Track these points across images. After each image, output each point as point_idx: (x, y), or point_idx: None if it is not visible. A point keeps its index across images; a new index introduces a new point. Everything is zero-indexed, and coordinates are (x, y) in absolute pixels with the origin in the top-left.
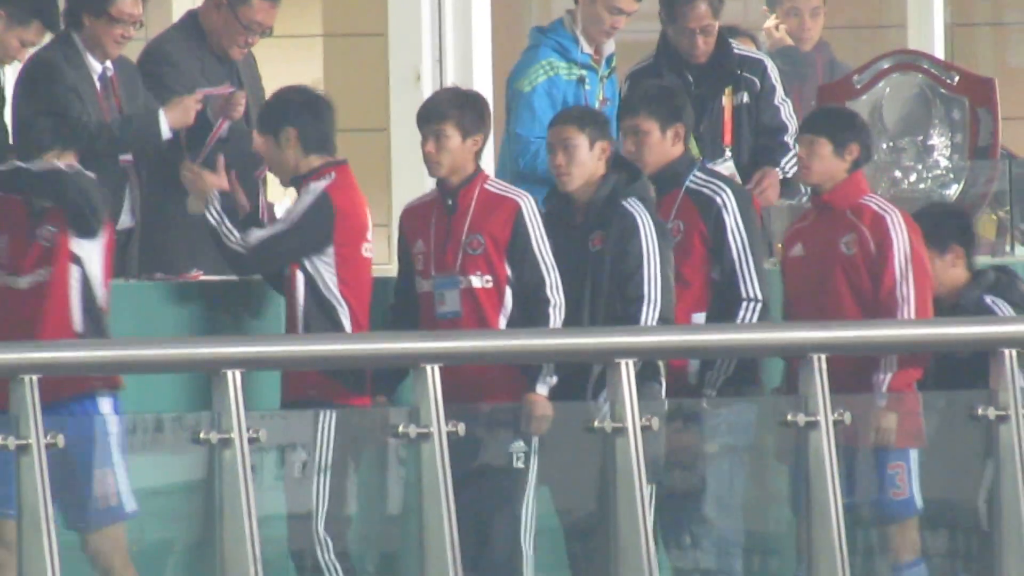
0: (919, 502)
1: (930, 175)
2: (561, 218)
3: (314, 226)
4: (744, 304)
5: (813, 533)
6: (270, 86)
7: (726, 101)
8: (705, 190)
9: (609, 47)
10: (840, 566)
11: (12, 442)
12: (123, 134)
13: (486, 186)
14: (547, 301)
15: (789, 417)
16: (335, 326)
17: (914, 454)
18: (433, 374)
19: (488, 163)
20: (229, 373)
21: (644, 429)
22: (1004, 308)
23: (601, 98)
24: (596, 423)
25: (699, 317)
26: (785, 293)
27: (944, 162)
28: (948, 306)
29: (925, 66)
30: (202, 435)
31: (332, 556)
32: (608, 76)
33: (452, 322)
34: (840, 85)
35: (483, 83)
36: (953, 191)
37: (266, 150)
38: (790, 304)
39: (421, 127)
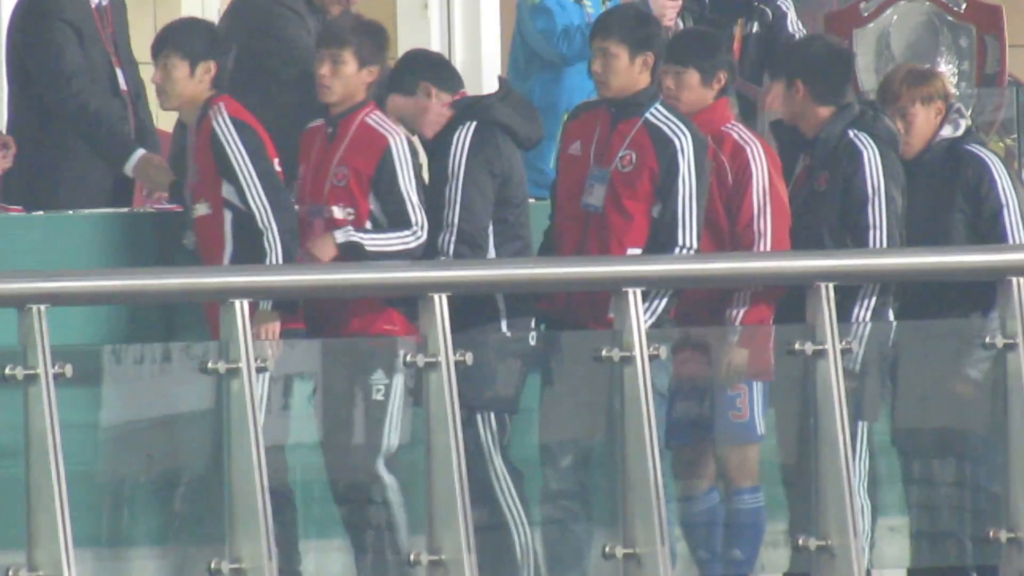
0: (760, 428)
1: None
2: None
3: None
4: (678, 250)
5: (820, 461)
6: None
7: (736, 30)
8: (664, 128)
9: None
10: (848, 492)
11: (20, 372)
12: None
13: (367, 119)
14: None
15: (796, 346)
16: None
17: (759, 384)
18: (441, 303)
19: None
20: (236, 302)
21: (652, 358)
22: (866, 142)
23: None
24: (604, 352)
25: (634, 252)
26: None
27: (951, 90)
28: (810, 139)
29: None
30: (210, 365)
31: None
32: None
33: None
34: (847, 13)
35: (491, 11)
36: None
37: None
38: None
39: (319, 49)
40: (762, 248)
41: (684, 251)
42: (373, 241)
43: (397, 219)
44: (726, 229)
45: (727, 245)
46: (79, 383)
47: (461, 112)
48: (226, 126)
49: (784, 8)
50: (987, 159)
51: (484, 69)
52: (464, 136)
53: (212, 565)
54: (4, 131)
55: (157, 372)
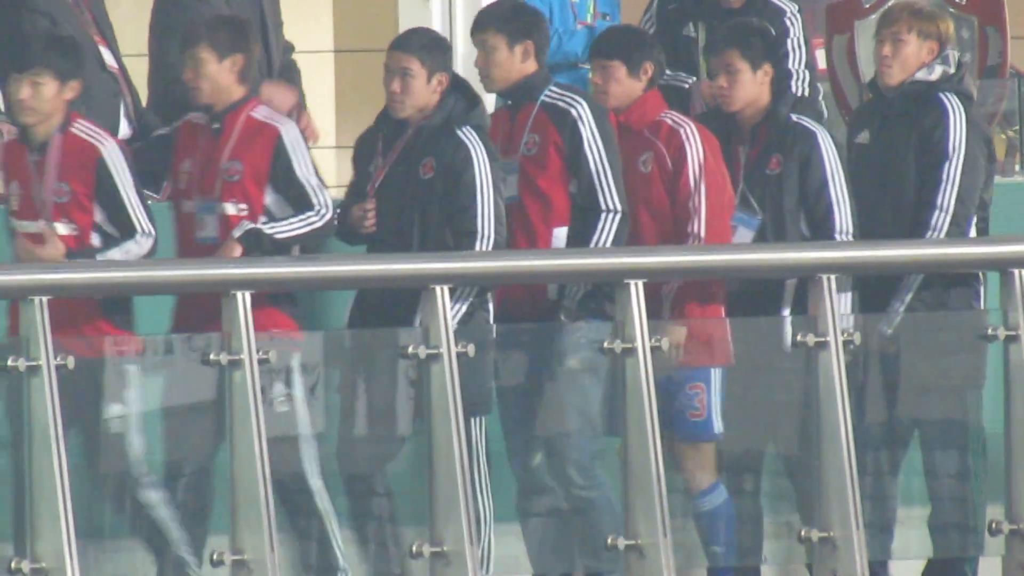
0: (717, 427)
1: None
2: (390, 140)
3: None
4: (603, 215)
5: (823, 452)
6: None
7: None
8: (559, 103)
9: None
10: (850, 484)
11: (22, 363)
12: None
13: (251, 113)
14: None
15: (799, 337)
16: None
17: (717, 379)
18: (442, 295)
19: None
20: (239, 294)
21: (653, 349)
22: (811, 124)
23: (594, 11)
24: (606, 344)
25: (561, 232)
26: None
27: (951, 36)
28: (756, 124)
29: None
30: (212, 357)
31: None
32: None
33: (210, 248)
34: (848, 4)
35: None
36: None
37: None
38: None
39: (181, 53)
40: (696, 226)
41: (611, 215)
42: (275, 228)
43: (299, 203)
44: (670, 214)
45: (671, 229)
46: (80, 375)
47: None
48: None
49: (788, 25)
50: (951, 108)
51: None
52: (479, 146)
53: (214, 556)
54: None
55: (159, 363)
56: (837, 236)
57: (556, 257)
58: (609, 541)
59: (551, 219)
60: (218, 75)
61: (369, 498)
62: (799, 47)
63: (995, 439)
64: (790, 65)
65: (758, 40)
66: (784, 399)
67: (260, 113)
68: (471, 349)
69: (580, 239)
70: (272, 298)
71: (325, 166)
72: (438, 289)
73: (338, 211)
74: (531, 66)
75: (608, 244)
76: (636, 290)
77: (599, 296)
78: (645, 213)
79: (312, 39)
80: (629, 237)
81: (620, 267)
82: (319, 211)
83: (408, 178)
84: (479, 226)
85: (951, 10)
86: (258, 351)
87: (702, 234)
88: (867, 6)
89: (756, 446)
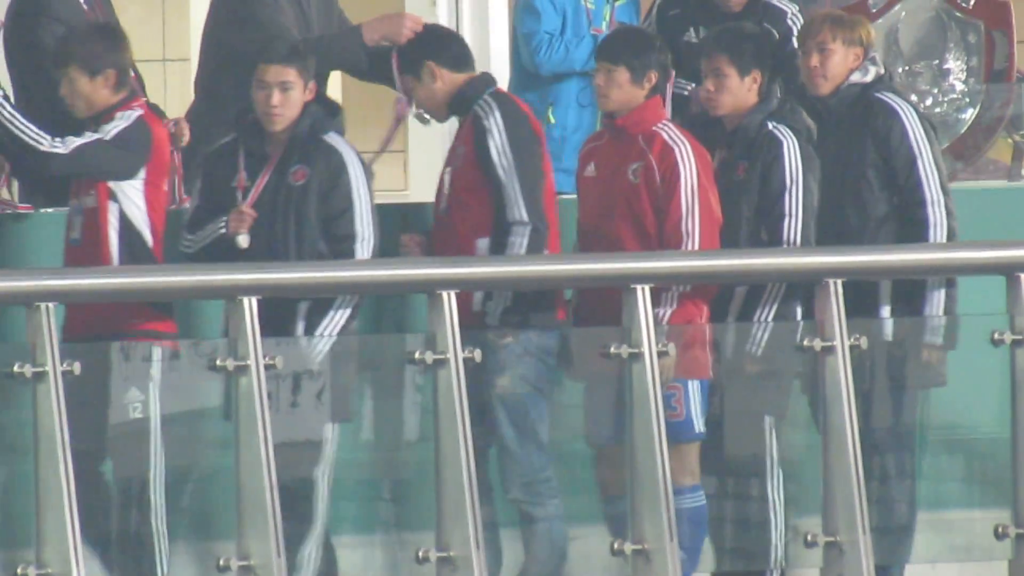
0: (698, 427)
1: (946, 99)
2: (253, 153)
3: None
4: (512, 228)
5: (830, 457)
6: None
7: None
8: (479, 111)
9: None
10: (856, 489)
11: (28, 369)
12: None
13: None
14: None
15: (806, 342)
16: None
17: (695, 382)
18: (449, 300)
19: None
20: (245, 300)
21: (660, 354)
22: (786, 134)
23: (610, 19)
24: (612, 349)
25: (483, 243)
26: (579, 211)
27: (960, 86)
28: (731, 128)
29: None
30: (218, 362)
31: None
32: (622, 1)
33: (77, 250)
34: (855, 9)
35: (499, 5)
36: (969, 115)
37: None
38: (580, 224)
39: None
40: (689, 248)
41: (520, 228)
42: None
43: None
44: (652, 230)
45: (654, 246)
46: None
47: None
48: None
49: (790, 26)
50: (898, 107)
51: (493, 63)
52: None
53: (221, 562)
54: None
55: (166, 369)
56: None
57: (564, 262)
58: (616, 546)
59: (474, 230)
60: (92, 93)
61: (375, 503)
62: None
63: (1002, 444)
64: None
65: (750, 46)
66: (789, 402)
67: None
68: (478, 355)
69: (497, 251)
70: (153, 307)
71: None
72: (445, 295)
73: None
74: (461, 77)
75: None
76: (643, 295)
77: (523, 308)
78: (626, 221)
79: None
80: (606, 244)
81: (627, 272)
82: (53, 143)
83: (279, 187)
84: (357, 229)
85: (958, 14)
86: (264, 356)
87: None
88: (874, 11)
89: (761, 450)
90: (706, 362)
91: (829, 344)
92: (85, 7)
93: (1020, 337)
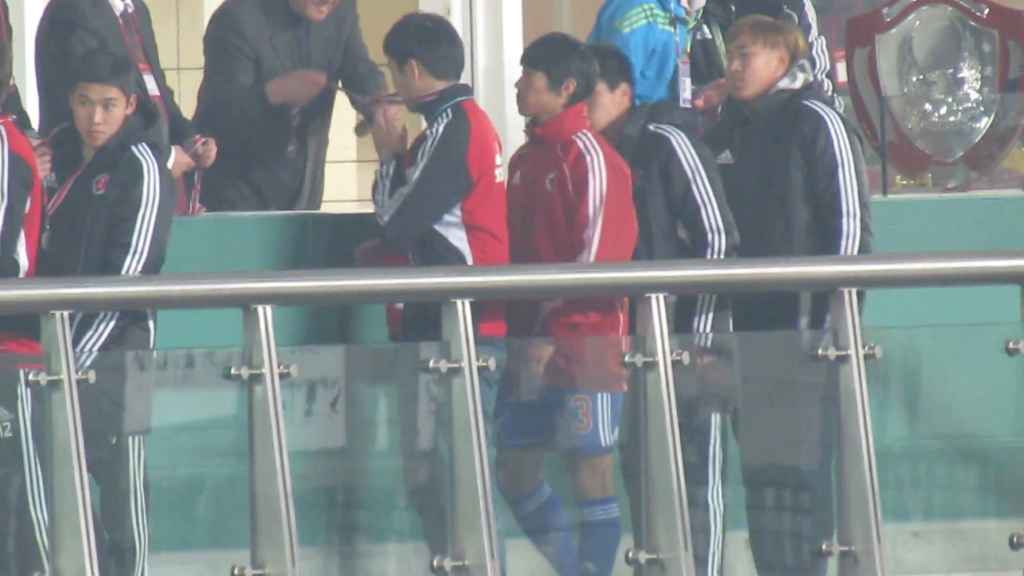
0: (604, 440)
1: (960, 108)
2: (75, 163)
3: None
4: (385, 230)
5: (844, 467)
6: None
7: None
8: (436, 120)
9: (700, 0)
10: (872, 499)
11: (44, 378)
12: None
13: None
14: None
15: (820, 351)
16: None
17: (605, 395)
18: (464, 309)
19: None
20: (260, 308)
21: (675, 363)
22: (673, 132)
23: (688, 50)
24: (627, 358)
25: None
26: (508, 220)
27: (974, 95)
28: (615, 142)
29: None
30: (233, 371)
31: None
32: (693, 29)
33: None
34: (869, 18)
35: (512, 16)
36: (983, 124)
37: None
38: (509, 232)
39: None
40: (585, 258)
41: (387, 230)
42: None
43: None
44: (566, 237)
45: (568, 254)
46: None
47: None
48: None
49: (809, 20)
50: (824, 115)
51: (506, 72)
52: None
53: (235, 571)
54: None
55: (180, 378)
56: (709, 235)
57: (579, 271)
58: (630, 555)
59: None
60: None
61: (390, 513)
62: (822, 53)
63: (1018, 453)
64: (814, 54)
65: (614, 61)
66: (805, 413)
67: None
68: (492, 363)
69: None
70: (17, 324)
71: (347, 180)
72: (459, 303)
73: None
74: (436, 84)
75: None
76: (658, 304)
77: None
78: (544, 230)
79: None
80: (526, 254)
81: (642, 281)
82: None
83: (82, 196)
84: (133, 240)
85: (972, 23)
86: (279, 365)
87: None
88: (888, 20)
89: (777, 460)
90: (619, 375)
91: (843, 353)
92: (120, 20)
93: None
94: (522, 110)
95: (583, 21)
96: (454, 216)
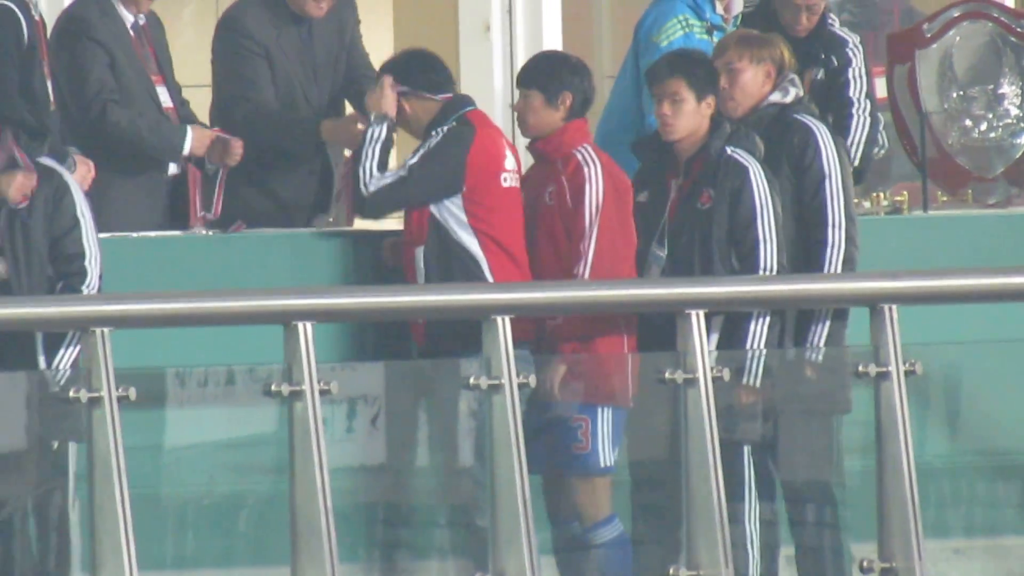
0: (604, 460)
1: (1000, 124)
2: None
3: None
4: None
5: (885, 483)
6: None
7: (806, 77)
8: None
9: (737, 5)
10: (912, 516)
11: (84, 395)
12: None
13: None
14: None
15: (861, 368)
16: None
17: (606, 412)
18: (504, 325)
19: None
20: (300, 325)
21: (715, 380)
22: (752, 163)
23: None
24: (667, 374)
25: (419, 251)
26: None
27: (1015, 111)
28: (693, 155)
29: (995, 14)
30: (273, 387)
31: None
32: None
33: None
34: (909, 34)
35: (552, 33)
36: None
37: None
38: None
39: None
40: (581, 269)
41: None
42: None
43: None
44: (567, 249)
45: (568, 265)
46: (144, 405)
47: None
48: None
49: (850, 55)
50: (814, 128)
51: None
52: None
53: None
54: None
55: (221, 394)
56: (760, 273)
57: (618, 288)
58: (671, 572)
59: (411, 241)
60: None
61: (431, 529)
62: (860, 77)
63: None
64: (851, 94)
65: (702, 71)
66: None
67: None
68: (532, 380)
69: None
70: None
71: None
72: (499, 320)
73: None
74: (433, 106)
75: None
76: (698, 320)
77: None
78: (547, 246)
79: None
80: (536, 268)
81: (682, 297)
82: None
83: (12, 216)
84: (85, 247)
85: (1012, 39)
86: (319, 382)
87: (586, 278)
88: (928, 35)
89: (818, 477)
90: (624, 391)
91: (884, 370)
92: (131, 33)
93: None
94: (524, 132)
95: (623, 37)
96: (462, 215)
